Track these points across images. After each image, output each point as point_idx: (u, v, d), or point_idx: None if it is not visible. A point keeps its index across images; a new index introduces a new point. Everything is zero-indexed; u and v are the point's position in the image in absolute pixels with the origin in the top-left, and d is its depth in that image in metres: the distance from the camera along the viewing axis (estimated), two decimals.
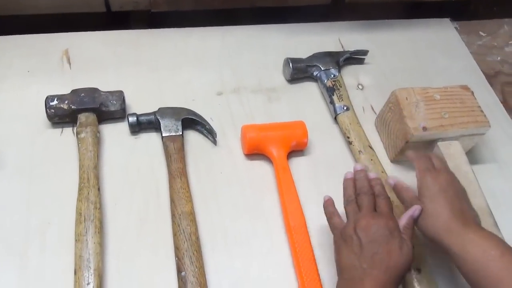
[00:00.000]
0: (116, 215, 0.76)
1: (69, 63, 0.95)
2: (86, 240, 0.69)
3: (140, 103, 0.89)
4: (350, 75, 1.01)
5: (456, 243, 0.62)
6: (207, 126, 0.85)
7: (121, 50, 0.99)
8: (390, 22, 1.14)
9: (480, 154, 0.91)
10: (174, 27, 1.06)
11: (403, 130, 0.82)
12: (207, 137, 0.87)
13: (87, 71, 0.94)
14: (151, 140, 0.85)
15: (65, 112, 0.82)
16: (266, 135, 0.83)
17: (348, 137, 0.85)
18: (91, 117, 0.82)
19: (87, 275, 0.66)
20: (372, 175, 0.72)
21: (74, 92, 0.83)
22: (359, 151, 0.83)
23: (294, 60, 0.95)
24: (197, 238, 0.72)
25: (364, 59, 1.03)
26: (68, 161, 0.80)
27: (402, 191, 0.71)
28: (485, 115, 0.84)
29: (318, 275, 0.71)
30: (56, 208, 0.75)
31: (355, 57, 1.02)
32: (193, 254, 0.70)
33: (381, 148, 0.90)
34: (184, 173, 0.79)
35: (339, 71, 0.95)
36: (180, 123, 0.84)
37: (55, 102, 0.82)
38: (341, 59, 0.98)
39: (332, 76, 0.93)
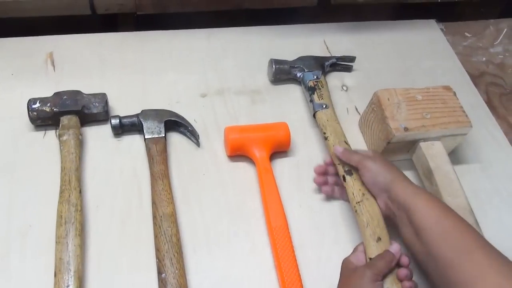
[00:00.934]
0: (98, 217, 0.76)
1: (53, 66, 0.95)
2: (67, 242, 0.69)
3: (124, 106, 0.89)
4: (334, 77, 1.02)
5: (406, 192, 0.67)
6: (189, 128, 0.85)
7: (105, 52, 0.99)
8: (376, 23, 1.15)
9: (464, 154, 0.92)
10: (160, 29, 1.07)
11: (385, 131, 0.82)
12: (190, 139, 0.87)
13: (72, 74, 0.94)
14: (134, 142, 0.85)
15: (48, 115, 0.82)
16: (248, 136, 0.83)
17: (324, 133, 0.83)
18: (73, 119, 0.82)
19: (67, 278, 0.66)
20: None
21: (57, 94, 0.84)
22: (333, 145, 0.81)
23: (277, 61, 0.96)
24: (178, 240, 0.72)
25: (352, 66, 1.03)
26: (50, 163, 0.80)
27: (351, 154, 0.75)
28: (466, 115, 0.84)
29: (299, 275, 0.71)
30: (37, 210, 0.75)
31: (342, 64, 1.02)
32: (174, 255, 0.70)
33: (365, 148, 0.90)
34: (166, 175, 0.79)
35: (323, 75, 0.95)
36: (162, 125, 0.84)
37: (38, 104, 0.82)
38: (327, 63, 0.98)
39: (314, 77, 0.93)
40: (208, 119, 0.90)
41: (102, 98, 0.85)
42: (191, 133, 0.86)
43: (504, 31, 1.20)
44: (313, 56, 0.98)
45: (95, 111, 0.84)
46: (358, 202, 0.73)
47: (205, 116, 0.91)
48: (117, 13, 1.07)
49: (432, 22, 1.19)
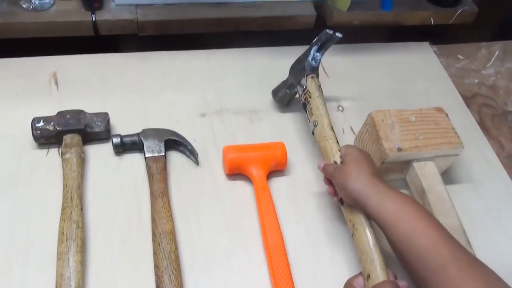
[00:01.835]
0: (99, 234, 0.77)
1: (57, 85, 0.97)
2: (68, 258, 0.70)
3: (125, 125, 0.91)
4: (331, 98, 1.04)
5: (377, 199, 0.68)
6: (189, 147, 0.88)
7: (108, 72, 1.02)
8: (371, 45, 1.18)
9: (457, 174, 0.94)
10: (161, 50, 1.09)
11: (379, 151, 0.84)
12: (189, 157, 0.89)
13: (74, 93, 0.96)
14: (134, 161, 0.87)
15: (51, 133, 0.84)
16: (246, 155, 0.85)
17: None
18: (76, 138, 0.84)
19: None
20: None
21: (60, 113, 0.86)
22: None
23: (274, 91, 0.99)
24: (177, 257, 0.74)
25: (339, 37, 0.92)
26: (52, 181, 0.82)
27: (327, 167, 0.76)
28: (458, 137, 0.86)
29: None
30: (39, 226, 0.77)
31: (328, 43, 0.93)
32: (172, 272, 0.71)
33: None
34: (165, 193, 0.81)
35: (313, 78, 0.89)
36: (163, 144, 0.86)
37: (41, 123, 0.84)
38: (311, 50, 0.92)
39: (303, 88, 0.89)
40: (207, 138, 0.93)
41: (104, 117, 0.87)
42: (190, 152, 0.88)
43: (496, 54, 1.23)
44: (297, 60, 0.94)
45: (97, 130, 0.86)
46: (352, 235, 0.73)
47: (204, 135, 0.93)
48: (118, 35, 1.11)
49: (426, 44, 1.22)
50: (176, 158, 0.89)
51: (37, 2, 1.03)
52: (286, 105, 1.00)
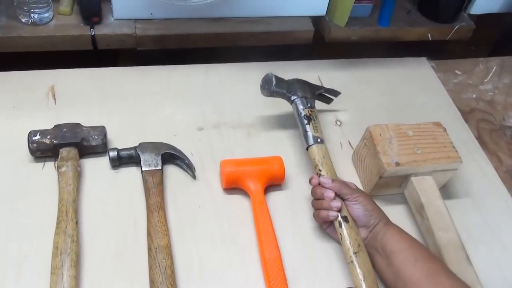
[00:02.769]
0: (93, 248, 0.76)
1: (54, 99, 0.97)
2: (62, 273, 0.70)
3: (122, 138, 0.91)
4: (328, 112, 1.04)
5: (387, 233, 0.74)
6: (186, 161, 0.87)
7: (105, 86, 1.02)
8: (369, 60, 1.18)
9: (455, 189, 0.93)
10: (160, 64, 1.10)
11: (377, 166, 0.84)
12: (186, 171, 0.88)
13: (72, 107, 0.96)
14: (131, 174, 0.87)
15: (47, 147, 0.84)
16: (243, 170, 0.85)
17: (320, 170, 0.83)
18: (72, 151, 0.84)
19: None
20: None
21: (57, 127, 0.86)
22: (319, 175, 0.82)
23: (278, 79, 0.92)
24: (173, 272, 0.73)
25: (332, 100, 1.02)
26: (48, 194, 0.81)
27: (342, 186, 0.78)
28: (456, 151, 0.86)
29: None
30: (34, 241, 0.76)
31: (325, 95, 1.01)
32: (168, 287, 0.70)
33: (358, 183, 0.92)
34: (162, 207, 0.80)
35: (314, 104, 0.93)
36: (160, 157, 0.86)
37: (38, 137, 0.84)
38: (317, 92, 0.97)
39: (309, 105, 0.90)
40: (204, 152, 0.92)
41: (101, 131, 0.87)
42: (187, 166, 0.88)
43: (494, 69, 1.23)
44: (307, 82, 0.96)
45: (94, 143, 0.86)
46: (356, 253, 0.73)
47: (202, 149, 0.93)
48: (117, 49, 1.11)
49: (424, 60, 1.22)
50: (173, 172, 0.89)
51: (36, 17, 1.04)
52: (266, 95, 0.93)
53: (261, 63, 1.13)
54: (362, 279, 0.71)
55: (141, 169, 0.84)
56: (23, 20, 1.04)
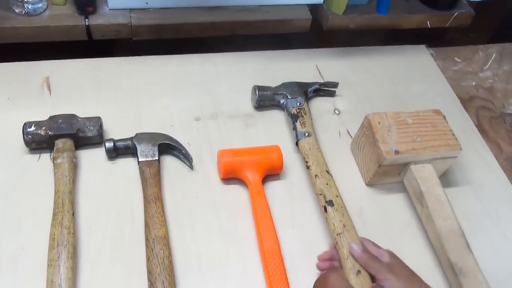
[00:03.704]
0: (90, 240, 0.76)
1: (49, 90, 0.96)
2: (58, 265, 0.69)
3: (119, 129, 0.90)
4: (327, 101, 1.03)
5: None
6: (183, 151, 0.86)
7: (101, 77, 1.00)
8: (367, 48, 1.17)
9: (455, 177, 0.93)
10: (156, 54, 1.08)
11: (376, 154, 0.83)
12: (183, 162, 0.88)
13: (67, 98, 0.95)
14: (128, 165, 0.86)
15: (42, 138, 0.83)
16: (241, 159, 0.84)
17: (307, 162, 0.85)
18: (68, 143, 0.83)
19: None
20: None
21: (52, 118, 0.85)
22: (315, 175, 0.82)
23: (261, 88, 0.97)
24: (170, 262, 0.72)
25: (335, 91, 1.03)
26: (44, 186, 0.80)
27: (370, 261, 0.70)
28: (456, 139, 0.85)
29: None
30: (30, 233, 0.75)
31: (325, 89, 1.03)
32: (166, 278, 0.70)
33: (356, 172, 0.91)
34: (159, 198, 0.79)
35: (306, 101, 0.96)
36: (156, 148, 0.85)
37: (33, 128, 0.83)
38: (310, 89, 0.99)
39: (297, 104, 0.94)
40: (201, 143, 0.91)
41: (97, 121, 0.86)
42: (184, 156, 0.87)
43: (493, 56, 1.22)
44: (296, 82, 0.99)
45: (89, 134, 0.85)
46: (339, 234, 0.74)
47: (199, 140, 0.92)
48: (113, 39, 1.10)
49: (423, 47, 1.21)
50: (170, 163, 0.88)
51: (30, 7, 1.02)
52: (257, 107, 0.98)
53: (258, 52, 1.12)
54: (345, 257, 0.71)
55: (138, 160, 0.83)
56: (16, 11, 1.03)
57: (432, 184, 0.82)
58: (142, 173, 0.82)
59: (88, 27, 1.05)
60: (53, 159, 0.81)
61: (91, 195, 0.81)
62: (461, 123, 1.03)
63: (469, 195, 0.91)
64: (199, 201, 0.83)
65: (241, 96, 1.01)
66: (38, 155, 0.85)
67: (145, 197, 0.79)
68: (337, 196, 0.80)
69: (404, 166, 0.85)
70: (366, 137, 0.87)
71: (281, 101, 0.97)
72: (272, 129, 0.96)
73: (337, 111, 1.02)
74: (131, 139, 0.86)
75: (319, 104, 1.02)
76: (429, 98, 1.08)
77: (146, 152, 0.84)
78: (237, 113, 0.98)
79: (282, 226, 0.81)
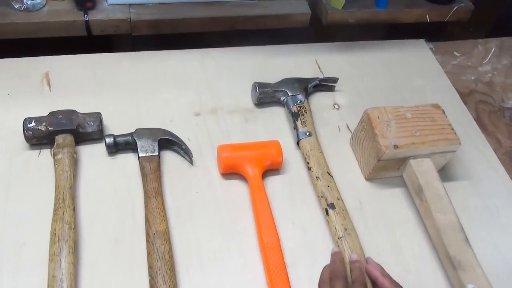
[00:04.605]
0: (91, 235, 0.76)
1: (49, 86, 0.96)
2: (60, 260, 0.69)
3: (118, 124, 0.90)
4: (326, 95, 1.03)
5: None
6: (183, 146, 0.86)
7: (101, 72, 1.00)
8: (366, 43, 1.17)
9: (454, 171, 0.93)
10: (155, 49, 1.08)
11: (375, 149, 0.83)
12: (183, 157, 0.88)
13: (67, 94, 0.95)
14: (128, 161, 0.86)
15: (43, 134, 0.83)
16: (241, 154, 0.84)
17: (308, 163, 0.86)
18: (68, 138, 0.83)
19: None
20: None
21: (52, 114, 0.85)
22: (316, 177, 0.84)
23: (261, 85, 0.96)
24: (171, 257, 0.73)
25: (334, 86, 1.03)
26: (45, 182, 0.81)
27: (378, 278, 0.70)
28: (455, 133, 0.86)
29: None
30: (31, 228, 0.75)
31: (325, 84, 1.03)
32: (166, 273, 0.70)
33: (356, 167, 0.91)
34: (159, 193, 0.80)
35: (306, 98, 0.96)
36: (156, 143, 0.85)
37: (33, 124, 0.83)
38: (310, 85, 0.99)
39: (298, 102, 0.94)
40: (201, 138, 0.92)
41: (97, 117, 0.86)
42: (184, 152, 0.87)
43: (493, 50, 1.22)
44: (296, 78, 0.99)
45: (89, 130, 0.85)
46: (340, 238, 0.76)
47: (199, 135, 0.92)
48: (112, 35, 1.10)
49: (422, 41, 1.21)
50: (170, 158, 0.88)
51: (29, 3, 1.02)
52: (257, 104, 0.98)
53: (258, 47, 1.12)
54: (346, 261, 0.73)
55: (138, 155, 0.84)
56: (15, 7, 1.03)
57: (431, 178, 0.82)
58: (142, 168, 0.83)
59: (87, 23, 1.05)
60: (54, 155, 0.81)
61: (91, 191, 0.81)
62: (460, 117, 1.03)
63: (468, 189, 0.91)
64: (199, 196, 0.83)
65: (241, 91, 1.01)
66: (38, 150, 0.85)
67: (145, 192, 0.80)
68: (338, 199, 0.81)
69: (403, 161, 0.85)
70: (366, 131, 0.87)
71: (282, 98, 0.97)
72: (272, 124, 0.96)
73: (336, 106, 1.02)
74: (131, 134, 0.86)
75: (318, 99, 1.02)
76: (428, 93, 1.08)
77: (146, 148, 0.84)
78: (237, 108, 0.98)
79: (282, 221, 0.81)
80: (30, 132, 0.83)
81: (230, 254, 0.77)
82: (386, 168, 0.86)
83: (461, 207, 0.85)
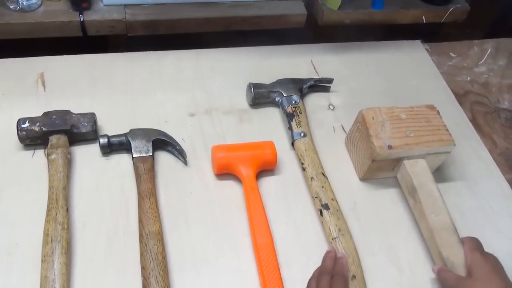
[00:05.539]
0: (85, 235, 0.76)
1: (44, 86, 0.96)
2: (52, 260, 0.69)
3: (113, 125, 0.90)
4: (321, 96, 1.03)
5: None
6: (177, 147, 0.86)
7: (95, 73, 1.00)
8: (362, 44, 1.17)
9: (449, 172, 0.93)
10: (150, 50, 1.08)
11: (370, 149, 0.83)
12: (177, 157, 0.88)
13: (62, 94, 0.95)
14: (122, 161, 0.86)
15: (37, 134, 0.83)
16: (235, 155, 0.84)
17: (302, 163, 0.86)
18: (62, 139, 0.83)
19: None
20: (338, 254, 0.74)
21: (46, 114, 0.85)
22: (311, 177, 0.84)
23: (256, 86, 0.96)
24: (164, 258, 0.72)
25: (329, 87, 1.03)
26: (38, 182, 0.80)
27: (446, 274, 0.70)
28: (450, 134, 0.85)
29: None
30: (24, 229, 0.75)
31: (320, 85, 1.03)
32: (159, 273, 0.70)
33: (351, 167, 0.91)
34: (153, 194, 0.79)
35: (301, 98, 0.96)
36: (150, 144, 0.85)
37: (27, 124, 0.83)
38: (305, 86, 0.99)
39: (293, 102, 0.94)
40: (196, 138, 0.92)
41: (91, 117, 0.86)
42: (178, 152, 0.87)
43: (488, 51, 1.22)
44: (291, 79, 0.99)
45: (83, 130, 0.85)
46: (334, 238, 0.76)
47: (193, 135, 0.92)
48: (108, 35, 1.10)
49: (418, 42, 1.21)
50: (164, 159, 0.88)
51: (24, 3, 1.02)
52: (252, 104, 0.98)
53: (253, 48, 1.12)
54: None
55: (132, 155, 0.84)
56: (11, 7, 1.03)
57: (425, 179, 0.82)
58: (136, 169, 0.82)
59: (82, 23, 1.05)
60: (47, 155, 0.81)
61: (85, 191, 0.81)
62: (456, 118, 1.03)
63: (463, 190, 0.91)
64: (193, 196, 0.83)
65: (236, 92, 1.01)
66: (32, 151, 0.85)
67: (139, 193, 0.79)
68: (332, 200, 0.81)
69: (397, 161, 0.85)
70: (360, 132, 0.87)
71: (277, 99, 0.97)
72: (267, 125, 0.96)
73: (331, 107, 1.02)
74: (125, 135, 0.86)
75: (314, 100, 1.02)
76: (423, 93, 1.08)
77: (140, 148, 0.84)
78: (232, 109, 0.98)
79: (275, 222, 0.81)
80: (24, 133, 0.83)
81: (223, 254, 0.77)
82: (380, 169, 0.86)
83: (456, 208, 0.85)
